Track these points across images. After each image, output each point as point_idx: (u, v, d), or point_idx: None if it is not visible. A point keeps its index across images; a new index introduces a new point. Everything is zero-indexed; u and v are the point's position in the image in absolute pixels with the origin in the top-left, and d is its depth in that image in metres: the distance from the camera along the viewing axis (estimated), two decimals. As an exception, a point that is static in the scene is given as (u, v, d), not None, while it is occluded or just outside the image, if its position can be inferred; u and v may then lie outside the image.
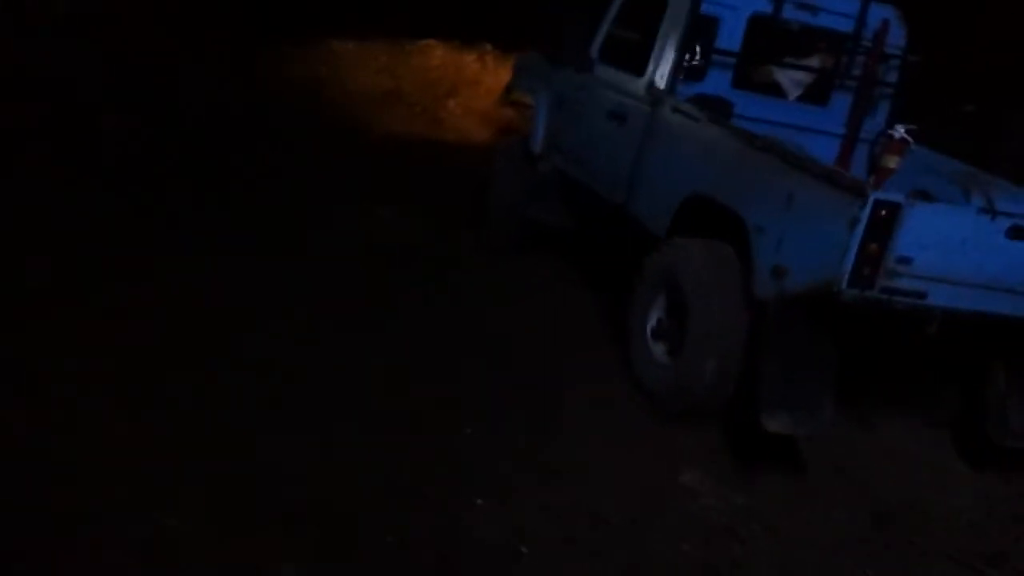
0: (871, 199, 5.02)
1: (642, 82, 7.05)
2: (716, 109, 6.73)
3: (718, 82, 7.10)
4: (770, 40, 7.20)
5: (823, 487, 5.65)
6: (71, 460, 4.60)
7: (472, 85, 13.45)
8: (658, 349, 6.22)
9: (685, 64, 6.90)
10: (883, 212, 5.04)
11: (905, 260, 5.16)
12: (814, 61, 7.42)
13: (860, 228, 5.05)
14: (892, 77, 7.49)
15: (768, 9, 7.01)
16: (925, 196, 5.86)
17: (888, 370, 6.14)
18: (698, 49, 6.95)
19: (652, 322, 6.29)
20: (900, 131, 6.98)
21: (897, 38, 7.35)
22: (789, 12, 7.08)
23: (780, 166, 5.60)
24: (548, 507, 4.99)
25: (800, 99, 7.47)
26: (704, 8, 6.90)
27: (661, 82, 6.89)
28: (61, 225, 7.26)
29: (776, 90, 7.42)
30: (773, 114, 7.16)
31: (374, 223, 8.54)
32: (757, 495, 5.43)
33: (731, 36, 7.05)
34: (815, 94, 7.47)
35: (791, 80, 7.46)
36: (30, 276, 6.31)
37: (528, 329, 6.92)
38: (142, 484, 4.52)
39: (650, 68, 7.02)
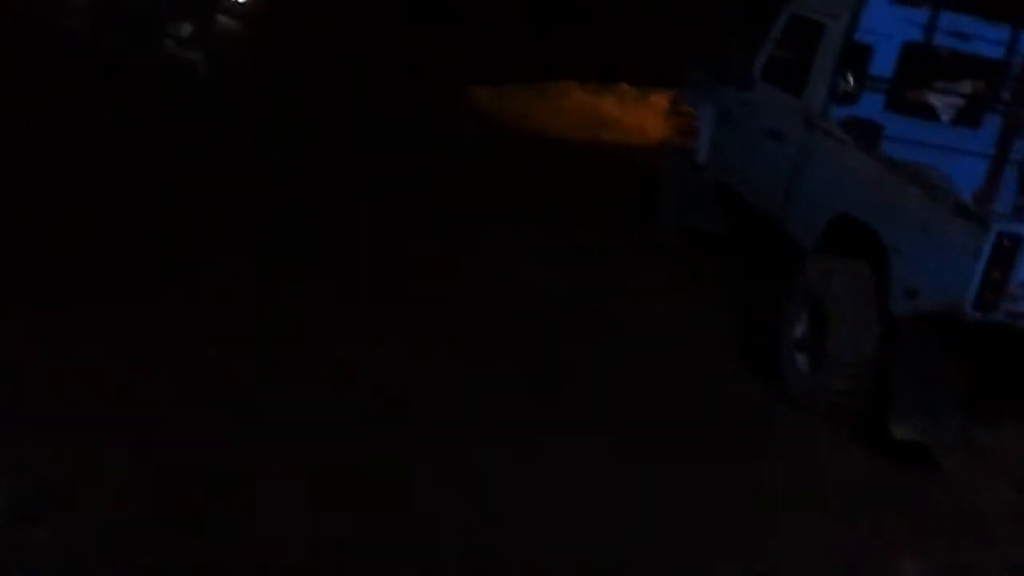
0: (994, 231, 5.53)
1: (799, 104, 7.64)
2: (866, 132, 7.26)
3: (871, 105, 7.57)
4: (922, 65, 7.63)
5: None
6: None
7: (613, 126, 13.19)
8: (801, 358, 6.80)
9: (839, 90, 7.43)
10: (1006, 242, 5.55)
11: (1025, 286, 5.66)
12: (965, 85, 7.81)
13: (984, 257, 5.57)
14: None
15: (920, 37, 7.47)
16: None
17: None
18: (851, 77, 7.42)
19: (797, 334, 6.88)
20: (1050, 152, 7.42)
21: (1050, 59, 7.70)
22: (941, 39, 7.52)
23: (918, 195, 6.13)
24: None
25: (952, 121, 7.87)
26: (859, 36, 7.43)
27: (816, 105, 7.47)
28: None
29: (928, 112, 7.84)
30: (925, 136, 7.62)
31: (527, 261, 8.34)
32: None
33: (884, 62, 7.51)
34: (967, 116, 7.86)
35: (944, 103, 7.88)
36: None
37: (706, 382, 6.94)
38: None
39: (807, 91, 7.60)
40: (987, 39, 7.62)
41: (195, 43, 10.66)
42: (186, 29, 10.59)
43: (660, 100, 12.07)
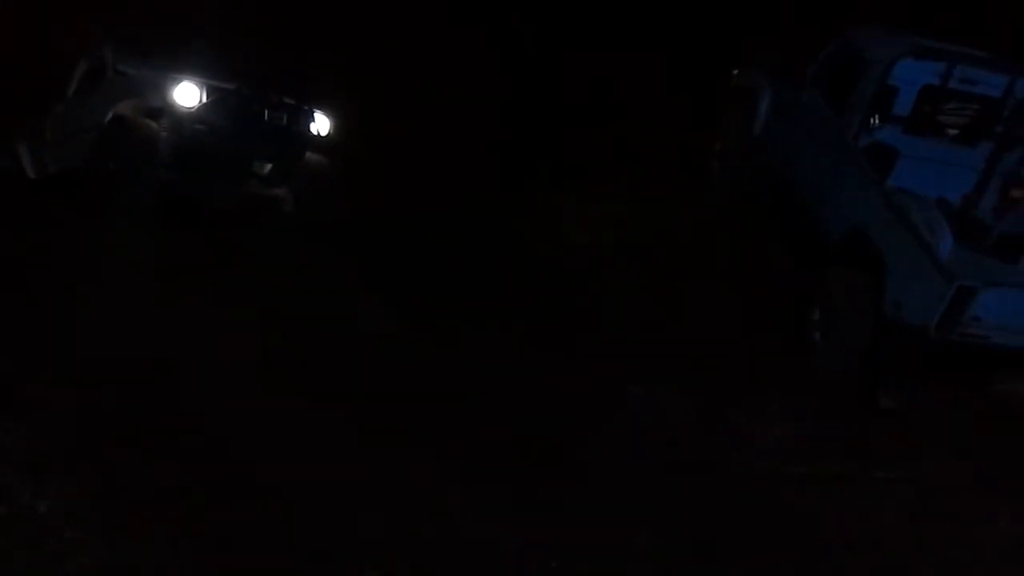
0: (955, 284, 7.99)
1: (837, 124, 9.89)
2: (885, 156, 9.56)
3: (893, 130, 9.82)
4: (936, 102, 9.84)
5: None
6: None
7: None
8: (816, 335, 9.31)
9: (868, 126, 9.68)
10: (963, 291, 8.01)
11: (976, 318, 8.13)
12: (969, 115, 10.02)
13: (947, 299, 8.03)
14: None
15: (936, 82, 9.66)
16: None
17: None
18: (876, 118, 9.64)
19: (815, 315, 9.34)
20: (1030, 171, 9.76)
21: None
22: (954, 84, 9.71)
23: (910, 238, 8.51)
24: None
25: (958, 142, 10.10)
26: (891, 81, 9.62)
27: (850, 132, 9.71)
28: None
29: (938, 135, 10.06)
30: (934, 155, 9.89)
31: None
32: None
33: (905, 100, 9.72)
34: (969, 139, 10.09)
35: (954, 126, 10.11)
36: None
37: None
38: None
39: (844, 117, 9.84)
40: (991, 84, 9.77)
41: (278, 180, 10.64)
42: (267, 167, 10.51)
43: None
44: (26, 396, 6.30)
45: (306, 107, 10.58)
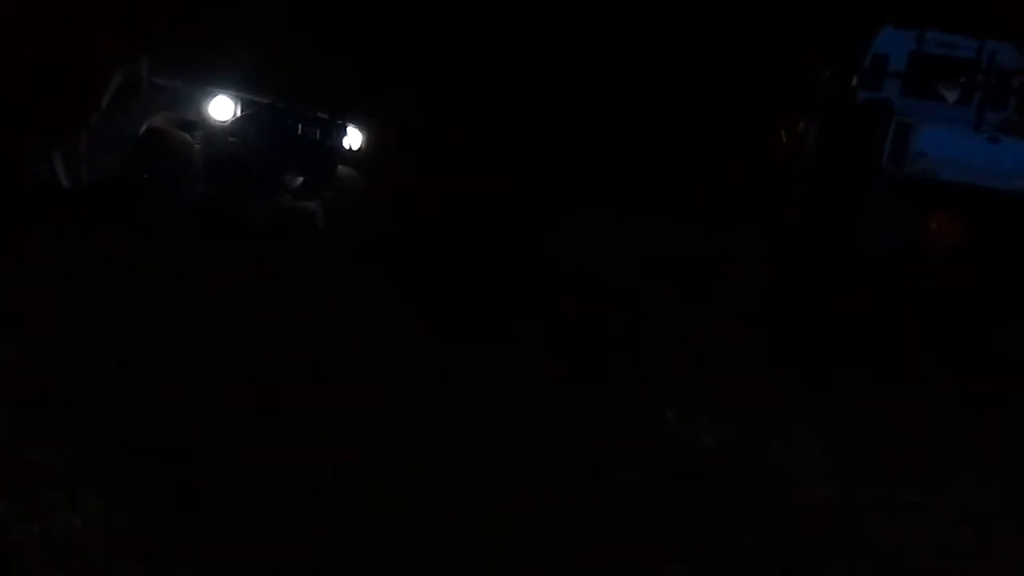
0: (895, 121, 10.25)
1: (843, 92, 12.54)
2: (880, 108, 11.96)
3: (890, 91, 12.23)
4: (923, 65, 12.28)
5: None
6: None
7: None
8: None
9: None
10: (902, 127, 10.23)
11: (922, 154, 10.28)
12: (956, 76, 12.36)
13: (890, 135, 10.27)
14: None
15: (918, 48, 12.19)
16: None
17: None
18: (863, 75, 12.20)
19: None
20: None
21: (1017, 60, 12.11)
22: (935, 48, 12.17)
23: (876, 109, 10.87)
24: None
25: (953, 103, 12.36)
26: (879, 50, 12.23)
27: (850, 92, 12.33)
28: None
29: (931, 95, 12.38)
30: (929, 112, 12.14)
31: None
32: None
33: (897, 64, 12.22)
34: (962, 97, 12.36)
35: (948, 88, 12.44)
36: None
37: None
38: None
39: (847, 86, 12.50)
40: (966, 47, 12.18)
41: (310, 194, 10.70)
42: (299, 181, 10.55)
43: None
44: (63, 410, 6.13)
45: (339, 121, 10.72)
